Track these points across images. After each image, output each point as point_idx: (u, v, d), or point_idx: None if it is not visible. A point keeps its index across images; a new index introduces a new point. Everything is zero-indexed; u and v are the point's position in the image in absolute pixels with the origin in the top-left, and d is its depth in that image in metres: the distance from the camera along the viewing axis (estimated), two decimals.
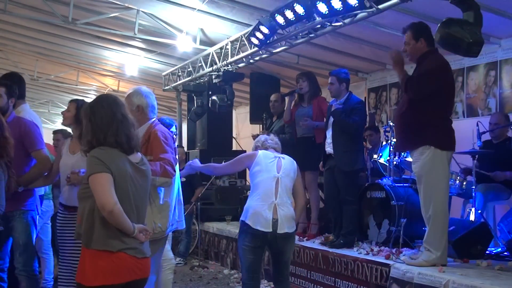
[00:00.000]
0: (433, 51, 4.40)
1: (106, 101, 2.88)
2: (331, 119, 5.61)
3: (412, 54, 4.41)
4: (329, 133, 5.64)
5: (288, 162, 4.13)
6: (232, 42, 7.72)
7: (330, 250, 5.32)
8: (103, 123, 2.80)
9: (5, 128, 3.87)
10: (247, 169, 4.24)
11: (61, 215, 4.14)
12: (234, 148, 10.03)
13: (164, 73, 10.52)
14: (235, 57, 7.74)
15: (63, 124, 4.33)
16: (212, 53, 8.35)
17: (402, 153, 5.74)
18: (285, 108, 6.79)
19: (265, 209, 3.87)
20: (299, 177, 4.22)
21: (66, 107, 4.33)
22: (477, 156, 5.45)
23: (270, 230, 3.84)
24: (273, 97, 7.09)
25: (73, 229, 4.00)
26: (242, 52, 7.59)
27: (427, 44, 4.36)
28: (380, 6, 5.20)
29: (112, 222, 2.68)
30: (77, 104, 4.11)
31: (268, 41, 6.67)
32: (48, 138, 5.85)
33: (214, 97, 8.30)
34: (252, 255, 3.91)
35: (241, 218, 3.98)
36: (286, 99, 6.78)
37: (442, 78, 4.30)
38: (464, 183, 5.58)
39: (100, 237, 2.69)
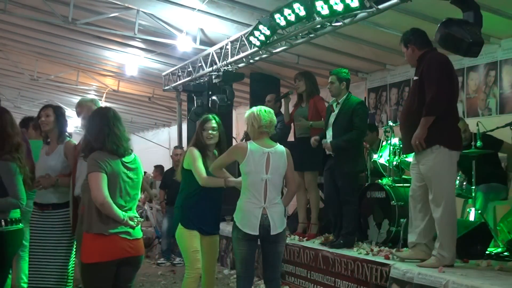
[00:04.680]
0: (429, 51, 4.38)
1: (98, 115, 3.47)
2: (331, 119, 5.60)
3: (409, 61, 4.57)
4: (329, 133, 5.62)
5: (277, 156, 4.03)
6: (232, 42, 7.71)
7: (330, 250, 5.31)
8: (93, 133, 3.40)
9: (7, 123, 3.88)
10: None
11: (35, 215, 4.24)
12: None
13: (164, 73, 10.50)
14: (235, 57, 7.74)
15: (44, 130, 4.43)
16: (212, 53, 8.34)
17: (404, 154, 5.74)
18: (282, 110, 6.80)
19: (254, 213, 3.90)
20: (290, 164, 4.11)
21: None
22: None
23: (258, 233, 3.88)
24: (267, 98, 7.22)
25: (46, 227, 4.17)
26: (242, 52, 7.58)
27: (418, 48, 4.41)
28: (380, 6, 5.21)
29: (103, 212, 3.25)
30: (54, 108, 4.43)
31: (268, 41, 6.67)
32: None
33: (214, 97, 8.29)
34: (245, 247, 3.95)
35: (234, 216, 4.03)
36: (283, 101, 6.78)
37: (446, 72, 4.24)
38: (464, 183, 5.58)
39: (96, 223, 3.26)
